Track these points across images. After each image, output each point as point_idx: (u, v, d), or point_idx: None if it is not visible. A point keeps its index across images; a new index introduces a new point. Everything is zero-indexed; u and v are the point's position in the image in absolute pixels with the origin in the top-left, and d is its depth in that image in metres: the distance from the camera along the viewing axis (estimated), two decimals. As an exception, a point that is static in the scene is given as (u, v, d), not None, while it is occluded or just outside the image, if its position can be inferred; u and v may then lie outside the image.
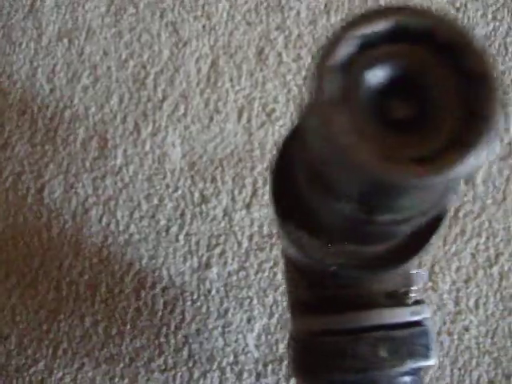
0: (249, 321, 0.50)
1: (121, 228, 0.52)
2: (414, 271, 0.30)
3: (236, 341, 0.50)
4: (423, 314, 0.29)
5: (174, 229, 0.51)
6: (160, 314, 0.51)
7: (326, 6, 0.54)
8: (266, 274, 0.50)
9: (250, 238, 0.51)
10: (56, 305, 0.51)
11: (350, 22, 0.18)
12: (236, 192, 0.51)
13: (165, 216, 0.52)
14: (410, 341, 0.29)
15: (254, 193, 0.51)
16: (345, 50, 0.18)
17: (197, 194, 0.52)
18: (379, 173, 0.17)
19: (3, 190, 0.52)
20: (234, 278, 0.51)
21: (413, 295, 0.30)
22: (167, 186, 0.52)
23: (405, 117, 0.19)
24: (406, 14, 0.18)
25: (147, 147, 0.52)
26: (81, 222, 0.52)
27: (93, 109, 0.53)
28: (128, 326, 0.51)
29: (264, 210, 0.51)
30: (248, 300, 0.50)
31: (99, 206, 0.52)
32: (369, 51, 0.18)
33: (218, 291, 0.51)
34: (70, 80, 0.54)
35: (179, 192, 0.52)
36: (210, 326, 0.50)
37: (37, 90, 0.53)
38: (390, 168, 0.17)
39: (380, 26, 0.18)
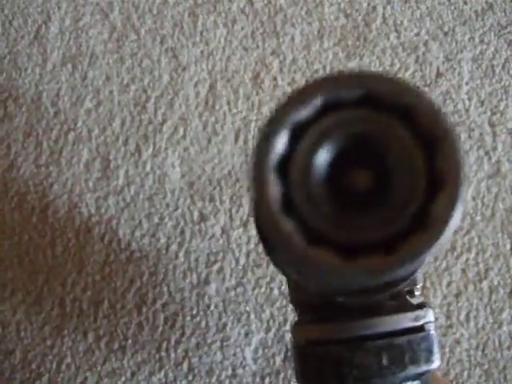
0: (246, 335, 0.52)
1: (122, 246, 0.53)
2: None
3: (234, 354, 0.52)
4: (426, 318, 0.29)
5: (174, 246, 0.53)
6: (160, 329, 0.52)
7: (319, 31, 0.56)
8: (263, 289, 0.52)
9: (247, 254, 0.53)
10: (60, 321, 0.53)
11: (277, 114, 0.17)
12: (234, 211, 0.53)
13: (165, 234, 0.53)
14: (412, 347, 0.28)
15: (251, 211, 0.53)
16: (279, 145, 0.17)
17: (196, 213, 0.54)
18: (299, 255, 0.17)
19: (9, 209, 0.54)
20: (232, 293, 0.52)
21: (417, 293, 0.29)
22: (167, 206, 0.54)
23: (364, 188, 0.18)
24: (338, 85, 0.18)
25: (148, 168, 0.54)
26: (84, 241, 0.54)
27: (96, 131, 0.55)
28: (129, 341, 0.53)
29: (261, 228, 0.53)
30: (246, 315, 0.52)
31: (102, 225, 0.54)
32: (311, 129, 0.18)
33: (216, 306, 0.52)
34: (73, 103, 0.56)
35: (179, 211, 0.54)
36: (209, 341, 0.52)
37: (42, 113, 0.55)
38: (309, 253, 0.17)
39: (313, 105, 0.17)
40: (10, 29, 0.57)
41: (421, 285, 0.30)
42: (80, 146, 0.55)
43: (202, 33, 0.56)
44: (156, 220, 0.54)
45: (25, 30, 0.57)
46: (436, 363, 0.28)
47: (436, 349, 0.28)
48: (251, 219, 0.53)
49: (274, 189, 0.17)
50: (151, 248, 0.53)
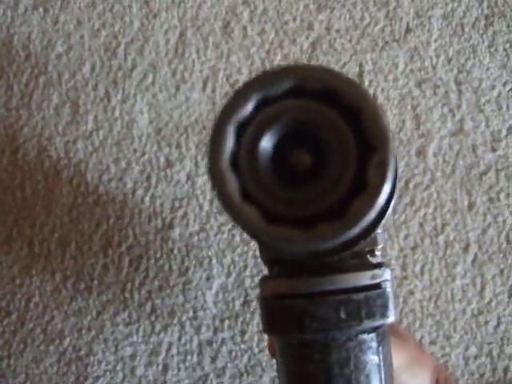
0: (208, 279, 0.54)
1: (90, 189, 0.55)
2: (379, 231, 0.31)
3: (195, 297, 0.54)
4: (383, 276, 0.30)
5: (140, 191, 0.54)
6: (125, 270, 0.54)
7: (291, -18, 0.56)
8: (225, 235, 0.54)
9: (211, 201, 0.54)
10: (28, 261, 0.54)
11: (221, 115, 0.20)
12: (199, 158, 0.54)
13: (132, 179, 0.54)
14: (368, 303, 0.30)
15: (217, 160, 0.54)
16: (228, 143, 0.20)
17: (162, 159, 0.55)
18: (262, 235, 0.20)
19: (-20, 151, 0.55)
20: (195, 238, 0.54)
21: (378, 253, 0.31)
22: (134, 151, 0.55)
23: (305, 166, 0.20)
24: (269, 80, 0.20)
25: (116, 113, 0.55)
26: (52, 183, 0.55)
27: (66, 75, 0.56)
28: (95, 282, 0.54)
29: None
30: (207, 260, 0.54)
31: (70, 169, 0.55)
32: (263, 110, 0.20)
33: (179, 251, 0.54)
34: (44, 47, 0.56)
35: (146, 157, 0.55)
36: (172, 283, 0.54)
37: (13, 56, 0.56)
38: (270, 231, 0.19)
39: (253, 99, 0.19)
40: (-18, -30, 0.57)
41: (381, 245, 0.32)
42: (50, 90, 0.55)
43: (174, -20, 0.56)
44: (123, 165, 0.55)
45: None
46: (391, 318, 0.30)
47: (391, 305, 0.30)
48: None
49: (231, 183, 0.20)
50: (118, 192, 0.54)
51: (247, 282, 0.53)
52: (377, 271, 0.31)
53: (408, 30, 0.56)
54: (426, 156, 0.55)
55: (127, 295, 0.54)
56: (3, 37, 0.56)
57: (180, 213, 0.54)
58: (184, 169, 0.54)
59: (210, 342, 0.54)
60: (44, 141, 0.55)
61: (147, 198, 0.54)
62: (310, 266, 0.30)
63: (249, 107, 0.20)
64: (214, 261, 0.54)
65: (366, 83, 0.55)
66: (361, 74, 0.55)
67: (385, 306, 0.30)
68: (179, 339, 0.54)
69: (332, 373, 0.31)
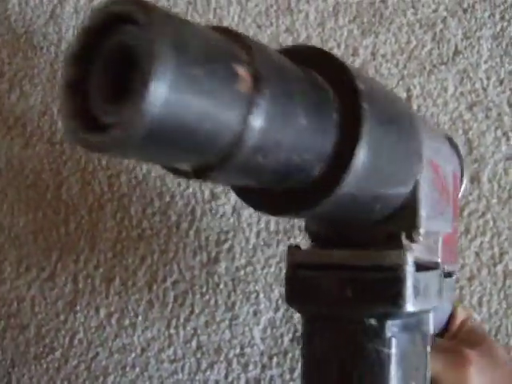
0: (255, 314, 0.52)
1: (134, 223, 0.54)
2: (423, 214, 0.28)
3: (242, 333, 0.52)
4: (401, 260, 0.27)
5: (185, 225, 0.53)
6: (170, 306, 0.53)
7: (334, 8, 0.55)
8: (273, 269, 0.52)
9: (258, 234, 0.53)
10: (72, 297, 0.54)
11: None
12: (244, 190, 0.53)
13: (176, 212, 0.54)
14: (377, 285, 0.27)
15: (262, 190, 0.53)
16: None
17: (207, 192, 0.54)
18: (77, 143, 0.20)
19: (24, 187, 0.55)
20: (242, 272, 0.52)
21: (419, 238, 0.28)
22: (178, 184, 0.54)
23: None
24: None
25: (159, 146, 0.54)
26: (96, 218, 0.54)
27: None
28: (140, 318, 0.53)
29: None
30: (255, 294, 0.52)
31: (114, 202, 0.54)
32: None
33: (226, 285, 0.52)
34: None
35: (190, 189, 0.54)
36: (218, 319, 0.52)
37: (57, 92, 0.56)
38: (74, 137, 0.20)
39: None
40: (26, 8, 0.58)
41: (423, 231, 0.28)
42: (93, 124, 0.55)
43: (215, 10, 0.56)
44: (167, 198, 0.54)
45: (40, 10, 0.58)
46: (405, 308, 0.27)
47: (407, 294, 0.27)
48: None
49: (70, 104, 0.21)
50: (162, 226, 0.53)
51: (296, 316, 0.51)
52: (394, 253, 0.27)
53: (456, 52, 0.54)
54: (481, 182, 0.52)
55: (172, 331, 0.53)
56: (47, 73, 0.57)
57: (226, 246, 0.53)
58: (229, 201, 0.53)
59: (257, 380, 0.52)
60: (87, 175, 0.55)
61: (192, 232, 0.53)
62: (340, 240, 0.29)
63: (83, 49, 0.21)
64: (262, 295, 0.52)
65: (415, 108, 0.53)
66: (409, 99, 0.53)
67: (398, 293, 0.27)
68: (226, 377, 0.52)
69: (328, 354, 0.29)
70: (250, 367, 0.52)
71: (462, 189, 0.35)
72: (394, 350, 0.28)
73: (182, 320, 0.53)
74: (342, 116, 0.24)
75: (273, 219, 0.52)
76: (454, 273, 0.34)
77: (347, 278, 0.28)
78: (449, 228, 0.32)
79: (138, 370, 0.53)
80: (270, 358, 0.52)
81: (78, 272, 0.54)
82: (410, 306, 0.27)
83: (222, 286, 0.52)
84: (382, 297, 0.28)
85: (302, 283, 0.29)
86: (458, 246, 0.37)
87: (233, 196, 0.53)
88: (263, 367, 0.52)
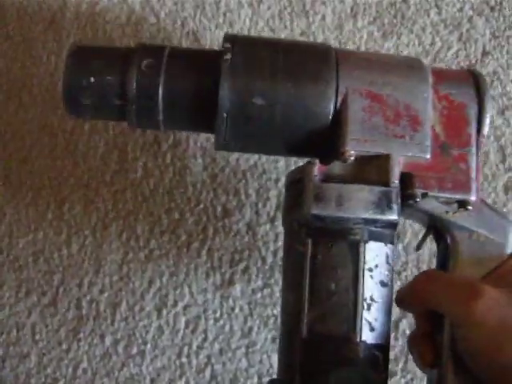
0: (274, 340, 0.48)
1: (141, 243, 0.50)
2: (352, 136, 0.34)
3: (260, 361, 0.48)
4: (304, 173, 0.33)
5: (196, 244, 0.49)
6: (181, 333, 0.49)
7: (352, 9, 0.52)
8: (292, 291, 0.48)
9: (275, 253, 0.49)
10: (76, 323, 0.50)
11: None
12: (260, 205, 0.49)
13: (186, 231, 0.50)
14: (296, 195, 0.33)
15: (279, 206, 0.49)
16: None
17: (219, 208, 0.50)
18: None
19: (23, 205, 0.51)
20: (259, 295, 0.48)
21: (348, 158, 0.33)
22: (188, 200, 0.50)
23: None
24: None
25: (168, 159, 0.51)
26: (101, 238, 0.50)
27: (112, 121, 0.52)
28: (149, 346, 0.49)
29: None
30: (273, 318, 0.48)
31: (119, 221, 0.50)
32: None
33: (241, 309, 0.48)
34: (89, 92, 0.53)
35: (201, 206, 0.50)
36: (234, 346, 0.48)
37: (57, 102, 0.52)
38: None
39: None
40: (24, 16, 0.54)
41: (353, 152, 0.33)
42: (96, 138, 0.52)
43: (225, 14, 0.52)
44: (176, 215, 0.50)
45: (39, 17, 0.54)
46: (307, 211, 0.32)
47: (309, 200, 0.32)
48: (279, 214, 0.49)
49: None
50: (171, 246, 0.50)
51: (319, 342, 0.47)
52: (303, 167, 0.33)
53: (485, 53, 0.51)
54: (517, 191, 0.48)
55: (184, 360, 0.49)
56: (47, 83, 0.53)
57: (241, 267, 0.49)
58: (243, 218, 0.49)
59: (278, 412, 0.47)
60: (91, 192, 0.51)
61: (204, 252, 0.49)
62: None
63: None
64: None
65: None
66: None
67: (302, 200, 0.32)
68: (243, 409, 0.48)
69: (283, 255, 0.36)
70: (270, 398, 0.48)
71: (486, 123, 0.34)
72: (309, 251, 0.33)
73: (194, 348, 0.48)
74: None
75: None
76: (470, 203, 0.34)
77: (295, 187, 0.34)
78: (424, 153, 0.33)
79: (147, 402, 0.49)
80: (291, 388, 0.47)
81: (81, 297, 0.50)
82: (313, 211, 0.32)
83: (237, 310, 0.48)
84: (296, 204, 0.33)
85: (291, 196, 0.35)
86: (468, 174, 0.34)
87: (247, 212, 0.49)
88: (284, 398, 0.47)
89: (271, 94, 0.33)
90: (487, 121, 0.34)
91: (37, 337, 0.50)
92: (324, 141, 0.33)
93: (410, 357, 0.47)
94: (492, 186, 0.49)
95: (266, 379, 0.48)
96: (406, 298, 0.36)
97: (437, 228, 0.36)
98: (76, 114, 0.36)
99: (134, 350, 0.49)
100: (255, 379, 0.48)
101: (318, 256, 0.33)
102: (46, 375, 0.50)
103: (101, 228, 0.50)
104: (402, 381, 0.47)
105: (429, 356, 0.35)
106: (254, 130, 0.34)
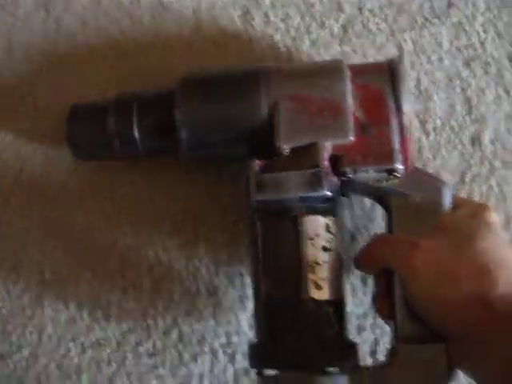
0: (241, 299, 0.47)
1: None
2: (283, 135, 0.40)
3: (228, 321, 0.47)
4: (248, 168, 0.39)
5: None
6: (146, 294, 0.48)
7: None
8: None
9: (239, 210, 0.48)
10: (39, 289, 0.49)
11: None
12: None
13: (149, 190, 0.48)
14: (247, 184, 0.39)
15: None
16: None
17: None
18: None
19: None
20: (224, 253, 0.47)
21: (282, 152, 0.40)
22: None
23: None
24: None
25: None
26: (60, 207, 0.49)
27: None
28: (114, 309, 0.48)
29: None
30: (239, 277, 0.47)
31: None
32: None
33: (207, 268, 0.47)
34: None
35: (163, 164, 0.49)
36: (200, 306, 0.47)
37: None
38: None
39: None
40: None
41: (287, 146, 0.39)
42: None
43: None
44: (139, 175, 0.49)
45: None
46: (253, 198, 0.38)
47: (252, 188, 0.38)
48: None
49: None
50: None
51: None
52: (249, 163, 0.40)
53: (450, 4, 0.50)
54: (482, 144, 0.48)
55: (150, 322, 0.48)
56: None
57: (204, 225, 0.48)
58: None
59: (247, 371, 0.47)
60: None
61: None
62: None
63: None
64: (247, 278, 0.47)
65: (408, 66, 0.48)
66: (401, 56, 0.48)
67: (248, 191, 0.39)
68: (211, 370, 0.47)
69: None
70: (238, 358, 0.47)
71: (403, 101, 0.39)
72: (260, 231, 0.39)
73: (160, 309, 0.48)
74: None
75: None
76: (397, 170, 0.39)
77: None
78: (347, 136, 0.39)
79: (114, 366, 0.48)
80: (260, 347, 0.47)
81: (43, 261, 0.49)
82: (256, 197, 0.38)
83: (202, 269, 0.47)
84: (247, 194, 0.39)
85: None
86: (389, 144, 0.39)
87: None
88: (252, 357, 0.47)
89: (215, 114, 0.41)
90: (404, 99, 0.39)
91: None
92: (265, 142, 0.40)
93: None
94: (458, 138, 0.48)
95: (234, 338, 0.47)
96: (361, 261, 0.41)
97: (378, 196, 0.41)
98: (79, 157, 0.46)
99: (99, 314, 0.48)
100: (223, 339, 0.47)
101: (267, 234, 0.39)
102: (11, 342, 0.49)
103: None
104: (372, 336, 0.47)
105: (386, 309, 0.40)
106: (207, 141, 0.42)
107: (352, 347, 0.39)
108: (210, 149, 0.42)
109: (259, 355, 0.39)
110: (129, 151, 0.44)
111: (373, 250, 0.40)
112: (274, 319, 0.38)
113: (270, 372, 0.37)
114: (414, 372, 0.38)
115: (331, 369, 0.37)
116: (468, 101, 0.48)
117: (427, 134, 0.48)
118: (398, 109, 0.39)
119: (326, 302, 0.38)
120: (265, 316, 0.38)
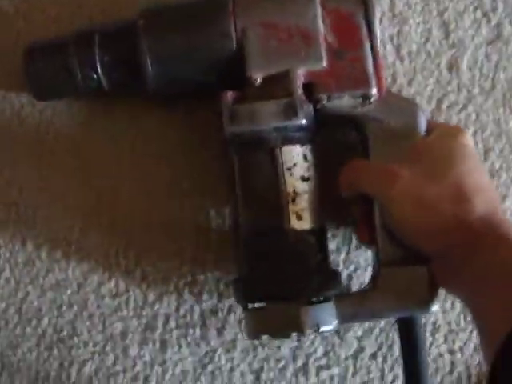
0: (205, 236, 0.45)
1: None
2: (254, 64, 0.39)
3: (194, 258, 0.45)
4: (222, 99, 0.38)
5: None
6: (107, 232, 0.45)
7: None
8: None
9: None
10: (-6, 229, 0.46)
11: None
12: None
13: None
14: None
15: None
16: None
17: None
18: None
19: None
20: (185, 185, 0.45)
21: (255, 82, 0.39)
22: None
23: None
24: None
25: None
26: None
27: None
28: (73, 248, 0.46)
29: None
30: (203, 213, 0.45)
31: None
32: None
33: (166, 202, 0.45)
34: None
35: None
36: (163, 243, 0.45)
37: None
38: None
39: None
40: None
41: (259, 75, 0.38)
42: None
43: None
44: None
45: None
46: (227, 130, 0.38)
47: (225, 121, 0.37)
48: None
49: None
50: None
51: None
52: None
53: None
54: (460, 70, 0.46)
55: (112, 261, 0.45)
56: None
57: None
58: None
59: (214, 311, 0.45)
60: None
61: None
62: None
63: None
64: (213, 212, 0.45)
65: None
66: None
67: (222, 124, 0.38)
68: (177, 310, 0.45)
69: None
70: (205, 297, 0.45)
71: (375, 24, 0.39)
72: (237, 164, 0.38)
73: (121, 248, 0.45)
74: None
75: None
76: (371, 95, 0.39)
77: None
78: (319, 63, 0.38)
79: (75, 308, 0.46)
80: (227, 285, 0.45)
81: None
82: (230, 130, 0.37)
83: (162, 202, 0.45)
84: (221, 125, 0.38)
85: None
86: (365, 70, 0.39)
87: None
88: (220, 296, 0.45)
89: (182, 42, 0.39)
90: (375, 22, 0.39)
91: (-49, 246, 0.46)
92: (236, 72, 0.38)
93: (352, 246, 0.45)
94: (435, 63, 0.46)
95: (200, 277, 0.45)
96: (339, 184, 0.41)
97: (354, 123, 0.40)
98: (41, 98, 0.44)
99: (59, 254, 0.46)
100: (189, 278, 0.45)
101: (244, 167, 0.38)
102: (-34, 288, 0.46)
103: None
104: (345, 272, 0.45)
105: (366, 235, 0.40)
106: (175, 74, 0.40)
107: (335, 274, 0.40)
108: (179, 82, 0.41)
109: (244, 290, 0.39)
110: (93, 87, 0.41)
111: (348, 176, 0.40)
112: (257, 253, 0.38)
113: (257, 305, 0.38)
114: (397, 293, 0.38)
115: (317, 298, 0.37)
116: (445, 25, 0.46)
117: (402, 59, 0.45)
118: (371, 33, 0.39)
119: (308, 231, 0.38)
120: (246, 251, 0.38)
